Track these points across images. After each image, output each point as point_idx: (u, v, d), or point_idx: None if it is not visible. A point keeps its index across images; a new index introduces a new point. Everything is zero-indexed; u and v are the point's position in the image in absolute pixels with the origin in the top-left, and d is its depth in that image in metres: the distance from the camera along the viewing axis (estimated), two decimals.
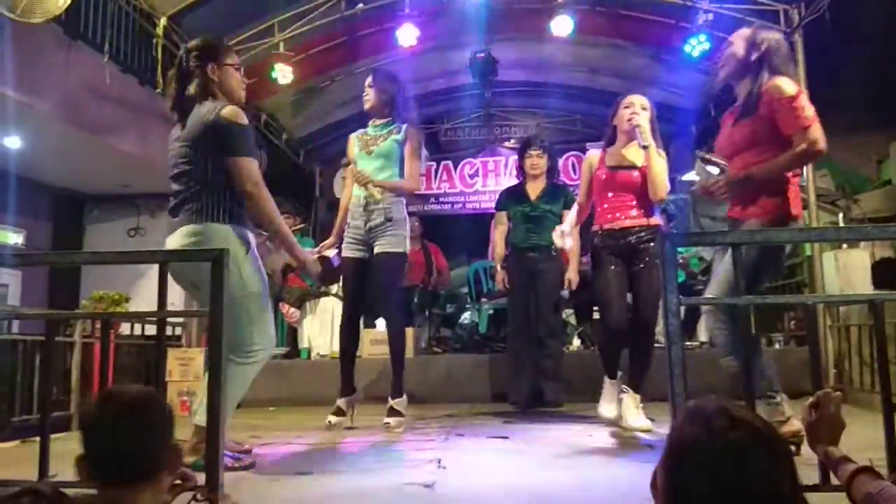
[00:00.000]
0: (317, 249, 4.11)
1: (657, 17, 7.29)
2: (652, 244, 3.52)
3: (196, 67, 2.84)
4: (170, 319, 4.90)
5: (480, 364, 5.58)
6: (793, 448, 2.45)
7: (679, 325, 1.83)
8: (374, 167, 3.85)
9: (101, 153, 6.70)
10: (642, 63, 7.79)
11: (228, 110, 2.72)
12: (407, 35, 6.88)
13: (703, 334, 6.16)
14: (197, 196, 2.71)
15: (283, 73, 7.05)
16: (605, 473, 2.62)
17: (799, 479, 0.98)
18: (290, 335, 6.71)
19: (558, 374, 4.72)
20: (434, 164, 10.02)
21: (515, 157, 5.57)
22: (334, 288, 6.23)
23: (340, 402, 3.82)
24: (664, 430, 2.57)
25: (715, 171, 2.83)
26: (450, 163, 10.13)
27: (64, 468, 2.04)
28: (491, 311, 6.56)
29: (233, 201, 2.72)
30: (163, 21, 6.62)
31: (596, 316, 5.98)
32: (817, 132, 2.66)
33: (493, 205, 5.31)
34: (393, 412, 3.71)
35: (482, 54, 7.47)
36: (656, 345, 3.79)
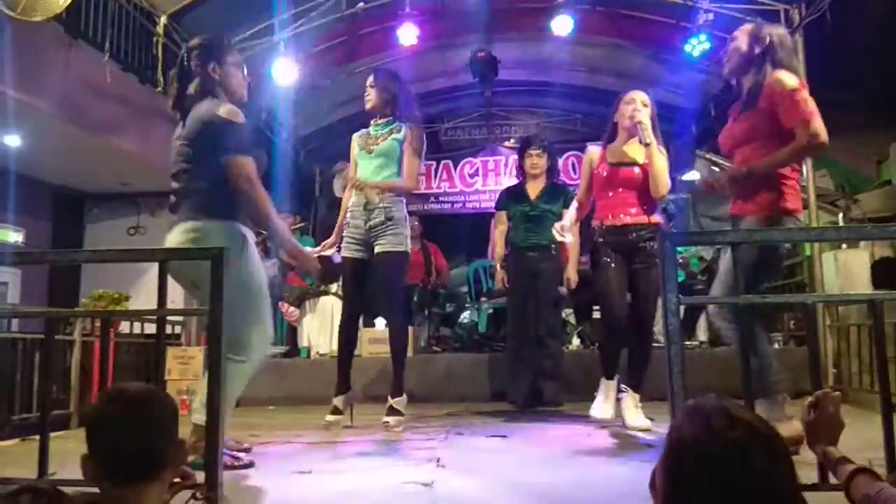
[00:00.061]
0: (318, 249, 4.11)
1: (657, 17, 7.30)
2: (652, 243, 3.50)
3: (197, 66, 2.84)
4: (169, 318, 4.91)
5: (480, 363, 5.58)
6: (792, 448, 2.46)
7: (678, 325, 1.83)
8: (374, 166, 3.85)
9: (101, 152, 6.70)
10: (642, 63, 7.80)
11: (224, 109, 2.72)
12: (407, 34, 6.88)
13: (702, 334, 6.17)
14: (195, 193, 2.73)
15: (284, 72, 7.05)
16: (604, 473, 2.62)
17: (798, 479, 0.98)
18: (289, 334, 6.71)
19: (557, 374, 4.72)
20: (434, 163, 10.02)
21: (515, 156, 5.57)
22: (334, 287, 6.23)
23: (336, 400, 3.81)
24: (663, 429, 2.58)
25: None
26: (450, 162, 10.13)
27: (63, 466, 2.04)
28: (490, 311, 6.56)
29: (231, 199, 2.72)
30: (163, 20, 6.62)
31: (596, 315, 5.99)
32: (818, 125, 2.64)
33: (492, 204, 5.31)
34: (392, 411, 3.71)
35: (482, 53, 7.48)
36: (656, 344, 3.78)
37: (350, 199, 3.96)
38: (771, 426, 1.00)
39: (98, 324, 4.84)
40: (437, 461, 2.72)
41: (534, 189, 4.78)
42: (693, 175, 7.93)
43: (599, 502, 2.22)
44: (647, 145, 3.45)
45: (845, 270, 5.52)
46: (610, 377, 3.62)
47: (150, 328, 5.62)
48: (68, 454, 2.65)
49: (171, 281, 2.14)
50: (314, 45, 7.48)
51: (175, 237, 2.71)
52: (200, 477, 1.66)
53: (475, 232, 8.21)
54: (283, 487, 2.44)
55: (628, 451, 3.08)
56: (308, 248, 4.34)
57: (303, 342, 6.38)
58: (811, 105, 2.67)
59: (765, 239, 2.77)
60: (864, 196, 7.28)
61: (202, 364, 5.04)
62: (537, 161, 4.78)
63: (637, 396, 3.54)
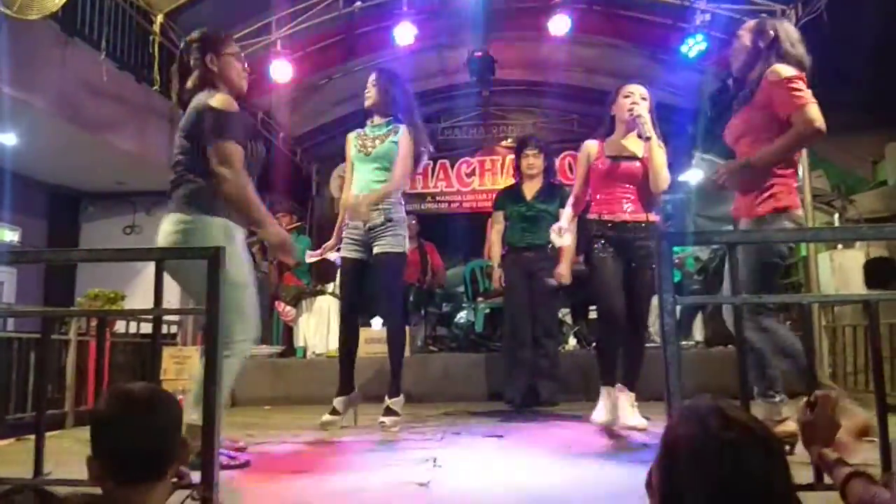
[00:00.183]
0: (319, 252, 4.11)
1: (654, 18, 7.31)
2: (649, 242, 3.46)
3: (195, 59, 2.85)
4: (165, 318, 4.90)
5: (476, 363, 5.59)
6: (787, 448, 2.46)
7: (675, 325, 1.83)
8: (371, 169, 3.84)
9: (97, 150, 6.68)
10: (639, 63, 7.80)
11: (217, 98, 2.73)
12: (405, 33, 6.88)
13: (698, 334, 6.19)
14: (187, 184, 2.74)
15: (281, 71, 7.04)
16: (600, 472, 2.63)
17: (793, 478, 0.99)
18: (285, 334, 6.71)
19: (554, 374, 4.73)
20: (431, 162, 10.01)
21: (512, 156, 5.57)
22: (330, 287, 6.23)
23: (337, 401, 3.78)
24: (659, 429, 2.58)
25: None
26: (447, 161, 10.14)
27: (59, 466, 2.03)
28: (487, 311, 6.56)
29: (215, 191, 2.72)
30: (159, 18, 6.61)
31: (592, 315, 5.99)
32: (814, 112, 2.61)
33: (489, 204, 5.31)
34: (389, 411, 3.71)
35: (480, 53, 7.48)
36: (653, 344, 3.78)
37: (350, 201, 3.95)
38: (766, 426, 1.00)
39: (94, 323, 4.84)
40: (434, 461, 2.72)
41: (530, 189, 4.79)
42: (691, 175, 7.93)
43: (596, 502, 2.23)
44: (647, 139, 3.39)
45: (841, 271, 5.54)
46: (610, 383, 3.48)
47: (146, 328, 5.62)
48: (64, 453, 2.66)
49: (167, 280, 2.14)
50: (311, 44, 7.48)
51: (163, 228, 2.74)
52: (195, 476, 1.66)
53: (472, 231, 8.21)
54: (280, 487, 2.43)
55: (624, 450, 3.08)
56: (309, 252, 4.35)
57: (299, 342, 6.37)
58: (807, 93, 2.64)
59: (761, 239, 2.77)
60: (859, 196, 7.30)
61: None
62: (534, 161, 4.79)
63: (632, 395, 3.52)
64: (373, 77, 3.98)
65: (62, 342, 4.69)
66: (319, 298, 6.37)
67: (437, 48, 8.05)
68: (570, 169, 8.93)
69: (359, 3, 6.92)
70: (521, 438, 3.44)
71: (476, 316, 6.75)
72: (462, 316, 7.13)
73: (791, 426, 2.59)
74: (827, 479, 1.48)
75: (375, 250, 3.76)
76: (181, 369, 5.16)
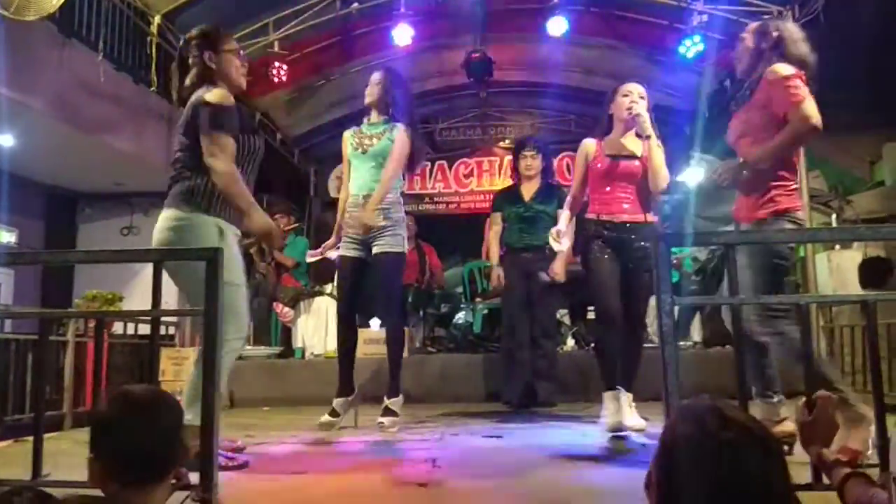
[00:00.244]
0: (319, 251, 4.10)
1: (652, 19, 7.32)
2: (647, 242, 3.44)
3: (194, 57, 2.86)
4: (163, 319, 4.89)
5: (474, 364, 5.58)
6: (785, 448, 2.46)
7: (673, 325, 1.83)
8: (369, 167, 3.83)
9: (94, 151, 6.68)
10: (637, 64, 7.81)
11: (212, 93, 2.74)
12: (402, 34, 6.89)
13: (696, 334, 6.19)
14: (184, 181, 2.75)
15: (278, 73, 7.04)
16: (598, 473, 2.63)
17: (791, 478, 0.99)
18: (284, 335, 6.70)
19: (552, 374, 4.73)
20: (429, 163, 10.01)
21: (510, 157, 5.58)
22: (328, 287, 6.23)
23: (336, 403, 3.76)
24: (658, 429, 2.58)
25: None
26: (444, 162, 10.14)
27: (57, 467, 2.03)
28: (485, 311, 6.57)
29: (213, 189, 2.72)
30: (157, 19, 6.61)
31: (590, 316, 5.99)
32: (810, 108, 2.60)
33: (487, 205, 5.31)
34: (388, 412, 3.70)
35: (477, 54, 7.48)
36: (651, 344, 3.77)
37: (347, 198, 3.95)
38: (764, 426, 1.01)
39: (91, 324, 4.83)
40: (433, 462, 2.72)
41: (528, 190, 4.79)
42: (689, 175, 7.94)
43: (595, 501, 2.23)
44: (647, 138, 3.37)
45: (838, 271, 5.55)
46: (612, 387, 3.37)
47: (144, 329, 5.61)
48: (61, 455, 2.66)
49: (165, 281, 2.14)
50: (308, 45, 7.48)
51: (158, 223, 2.76)
52: (193, 477, 1.66)
53: (470, 232, 8.18)
54: (279, 488, 2.43)
55: (623, 451, 3.08)
56: (309, 252, 4.35)
57: (297, 343, 6.37)
58: (803, 91, 2.63)
59: (758, 239, 2.78)
60: (857, 197, 7.31)
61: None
62: (531, 162, 4.79)
63: (630, 396, 3.51)
64: (378, 75, 3.96)
65: (60, 343, 4.69)
66: (318, 299, 6.36)
67: (434, 49, 8.05)
68: (569, 170, 8.93)
69: (356, 5, 6.92)
70: (519, 439, 3.44)
71: (474, 317, 6.75)
72: (460, 317, 7.13)
73: (789, 426, 2.59)
74: (825, 480, 1.48)
75: (375, 250, 3.75)
76: (179, 370, 5.15)
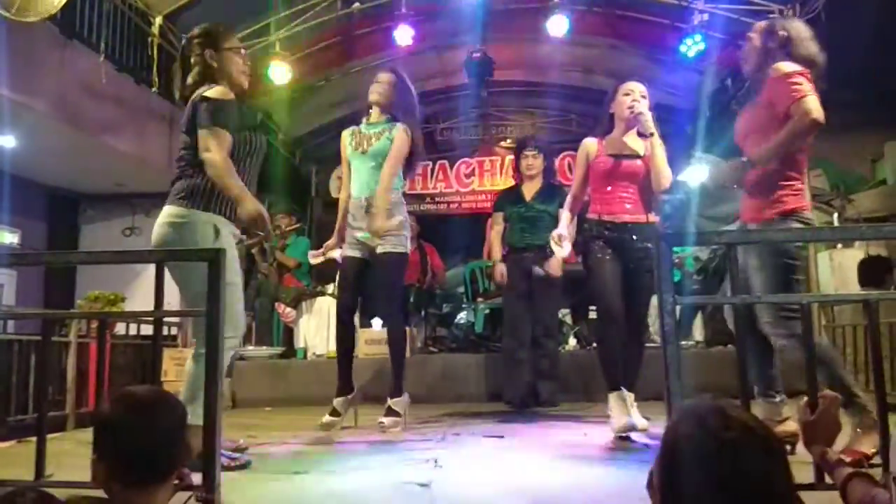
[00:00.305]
0: (321, 251, 4.10)
1: (653, 18, 7.32)
2: (648, 242, 3.42)
3: (196, 55, 2.87)
4: (165, 319, 4.90)
5: (476, 364, 5.59)
6: (787, 447, 2.46)
7: (674, 325, 1.83)
8: (369, 167, 3.83)
9: (96, 152, 6.68)
10: (638, 63, 7.81)
11: (212, 90, 2.75)
12: (403, 35, 6.89)
13: (698, 334, 6.19)
14: (185, 178, 2.77)
15: (279, 73, 7.04)
16: (600, 473, 2.63)
17: (793, 478, 0.99)
18: (286, 335, 6.71)
19: (554, 374, 4.73)
20: (430, 163, 10.01)
21: (511, 157, 5.58)
22: (330, 288, 6.23)
23: (336, 402, 3.78)
24: (660, 429, 2.58)
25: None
26: (446, 162, 10.13)
27: (60, 468, 2.04)
28: (487, 311, 6.56)
29: (210, 187, 2.73)
30: (158, 20, 6.61)
31: (592, 315, 5.99)
32: (811, 103, 2.58)
33: (488, 204, 5.32)
34: (390, 412, 3.71)
35: (478, 54, 7.48)
36: (653, 344, 3.76)
37: (347, 199, 3.95)
38: (766, 426, 1.01)
39: (94, 325, 4.84)
40: (435, 461, 2.72)
41: (529, 190, 4.80)
42: (690, 175, 7.94)
43: (597, 502, 2.23)
44: (650, 136, 3.35)
45: (840, 270, 5.54)
46: (616, 388, 3.32)
47: (146, 329, 5.61)
48: (64, 455, 2.66)
49: (167, 282, 2.14)
50: (309, 45, 7.48)
51: (158, 219, 2.79)
52: (195, 477, 1.66)
53: (471, 232, 8.20)
54: (281, 488, 2.44)
55: (625, 451, 3.08)
56: (312, 252, 4.35)
57: (299, 343, 6.38)
58: (806, 87, 2.62)
59: (760, 239, 2.77)
60: (859, 196, 7.30)
61: None
62: (533, 162, 4.80)
63: (632, 396, 3.49)
64: (387, 76, 3.94)
65: (62, 344, 4.69)
66: (319, 300, 6.37)
67: (435, 49, 8.05)
68: (570, 169, 8.92)
69: (357, 5, 6.92)
70: (521, 439, 3.44)
71: (476, 316, 6.75)
72: (462, 316, 7.13)
73: (791, 426, 2.59)
74: (828, 479, 1.48)
75: (378, 250, 3.75)
76: (182, 371, 5.13)
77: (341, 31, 7.51)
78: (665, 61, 7.52)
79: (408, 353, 5.05)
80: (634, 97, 3.44)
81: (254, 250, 6.41)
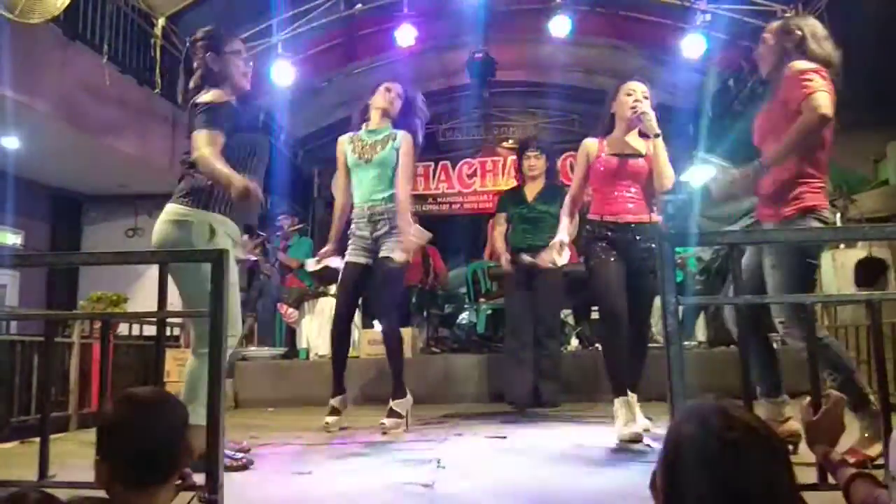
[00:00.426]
0: (316, 259, 4.12)
1: (655, 18, 7.32)
2: (651, 243, 3.40)
3: (198, 59, 2.88)
4: (168, 320, 4.91)
5: (478, 364, 5.58)
6: (790, 447, 2.46)
7: (677, 325, 1.83)
8: (372, 177, 3.83)
9: (99, 153, 6.70)
10: (640, 63, 7.81)
11: (207, 95, 2.77)
12: (405, 35, 6.89)
13: (700, 334, 6.18)
14: (187, 178, 2.78)
15: (282, 74, 7.05)
16: (603, 473, 2.63)
17: (796, 479, 0.99)
18: (288, 336, 6.72)
19: (556, 375, 4.73)
20: (432, 164, 10.03)
21: (514, 157, 5.59)
22: (332, 288, 6.23)
23: (334, 401, 3.82)
24: (662, 430, 2.58)
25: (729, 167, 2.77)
26: (448, 163, 10.14)
27: (63, 469, 2.04)
28: (489, 311, 6.57)
29: (208, 187, 2.74)
30: (161, 21, 6.63)
31: (594, 316, 5.98)
32: (820, 98, 2.51)
33: (491, 205, 5.32)
34: (392, 413, 3.71)
35: (480, 55, 7.49)
36: (655, 344, 3.74)
37: (343, 204, 3.95)
38: (769, 426, 1.00)
39: (97, 326, 4.85)
40: (438, 462, 2.72)
41: (531, 191, 4.80)
42: (692, 175, 7.93)
43: (599, 502, 2.23)
44: (656, 136, 3.30)
45: (843, 270, 5.54)
46: (623, 393, 3.25)
47: (148, 330, 5.62)
48: (68, 456, 2.66)
49: (170, 282, 2.15)
50: (312, 46, 7.49)
51: (159, 217, 2.80)
52: (197, 477, 1.66)
53: (473, 233, 8.22)
54: (284, 488, 2.44)
55: (627, 451, 3.08)
56: (308, 262, 4.35)
57: (302, 344, 6.38)
58: (817, 83, 2.55)
59: (761, 239, 2.77)
60: (861, 196, 7.29)
61: None
62: (535, 163, 4.80)
63: (635, 396, 3.48)
64: (400, 90, 3.95)
65: (65, 345, 4.70)
66: (322, 300, 6.37)
67: (437, 50, 8.06)
68: (572, 169, 8.90)
69: (359, 6, 6.94)
70: (523, 439, 3.43)
71: (478, 317, 6.75)
72: (464, 317, 7.13)
73: (794, 426, 2.58)
74: (831, 480, 1.48)
75: (380, 255, 3.77)
76: (184, 371, 5.15)
77: (344, 32, 7.52)
78: (667, 61, 7.53)
79: (410, 354, 5.06)
80: (637, 97, 3.39)
81: (256, 251, 6.42)
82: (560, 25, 6.93)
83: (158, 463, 1.33)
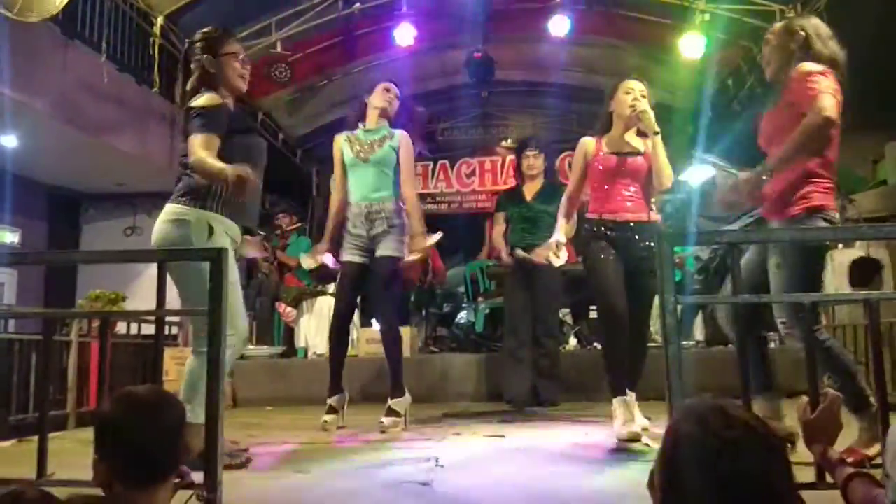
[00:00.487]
0: (312, 255, 4.13)
1: (654, 18, 7.32)
2: (650, 242, 3.38)
3: (195, 61, 2.88)
4: (167, 319, 4.91)
5: (477, 363, 5.59)
6: (788, 446, 2.46)
7: (676, 325, 1.83)
8: (371, 175, 3.84)
9: (97, 152, 6.69)
10: (639, 63, 7.81)
11: (200, 99, 2.77)
12: (404, 34, 6.90)
13: (698, 333, 6.19)
14: (185, 178, 2.79)
15: (281, 73, 7.05)
16: (601, 472, 2.63)
17: (794, 477, 0.99)
18: (286, 335, 6.71)
19: (554, 374, 4.73)
20: (431, 163, 10.02)
21: (512, 156, 5.59)
22: (331, 287, 6.23)
23: (332, 400, 3.84)
24: (661, 429, 2.58)
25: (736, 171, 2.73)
26: (446, 162, 10.14)
27: (61, 467, 2.04)
28: (487, 311, 6.57)
29: (204, 186, 2.74)
30: (160, 20, 6.62)
31: (592, 315, 5.99)
32: (825, 101, 2.48)
33: (489, 204, 5.33)
34: (390, 412, 3.72)
35: (479, 54, 7.49)
36: (654, 344, 3.74)
37: (339, 202, 3.95)
38: (768, 425, 1.01)
39: (95, 324, 4.84)
40: (436, 461, 2.72)
41: (530, 190, 4.80)
42: (691, 175, 7.94)
43: (597, 501, 2.23)
44: (656, 134, 3.28)
45: (840, 270, 5.55)
46: (622, 392, 3.23)
47: (146, 329, 5.62)
48: (66, 454, 2.66)
49: (168, 281, 2.14)
50: (311, 45, 7.49)
51: (159, 217, 2.82)
52: (195, 476, 1.66)
53: (472, 232, 8.21)
54: (282, 487, 2.44)
55: (625, 450, 3.08)
56: (304, 256, 4.36)
57: (300, 343, 6.38)
58: (824, 85, 2.52)
59: (761, 238, 2.77)
60: (859, 196, 7.28)
61: None
62: (534, 162, 4.80)
63: (633, 396, 3.47)
64: (397, 92, 3.98)
65: (63, 344, 4.70)
66: (320, 299, 6.37)
67: (436, 49, 8.06)
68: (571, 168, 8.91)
69: (358, 5, 6.93)
70: (521, 438, 3.44)
71: (476, 316, 6.75)
72: (462, 316, 7.13)
73: (790, 424, 2.58)
74: (829, 479, 1.48)
75: (377, 254, 3.78)
76: (182, 370, 5.14)
77: (342, 30, 7.52)
78: (666, 61, 7.53)
79: (408, 353, 5.06)
80: (636, 95, 3.37)
81: (267, 246, 6.42)
82: (559, 25, 6.94)
83: (157, 462, 1.33)
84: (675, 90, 7.86)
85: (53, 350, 4.33)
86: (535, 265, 4.59)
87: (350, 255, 3.85)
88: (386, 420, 3.67)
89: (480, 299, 6.75)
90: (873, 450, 2.35)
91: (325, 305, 6.31)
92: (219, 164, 2.65)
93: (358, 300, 4.36)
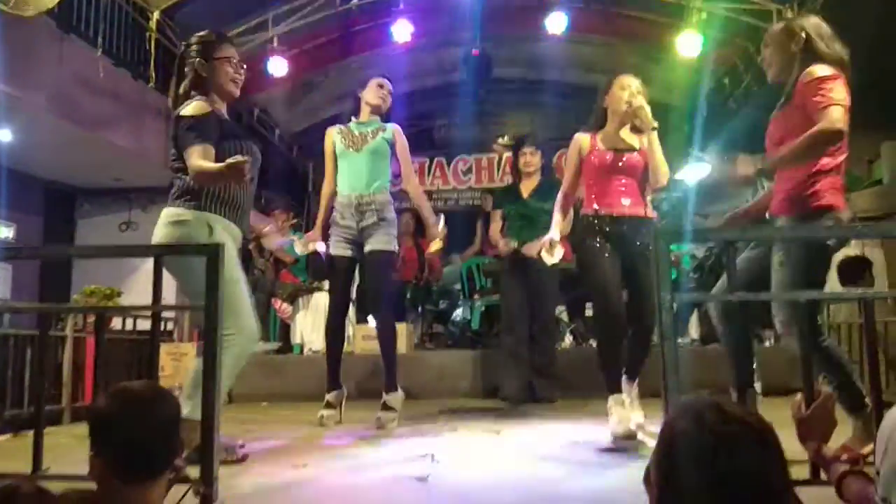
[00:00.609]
0: (302, 241, 4.15)
1: (651, 16, 7.33)
2: (646, 239, 3.35)
3: (189, 64, 2.88)
4: (162, 314, 4.90)
5: (473, 360, 5.59)
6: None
7: (672, 322, 1.83)
8: (361, 164, 3.84)
9: (93, 147, 6.66)
10: (636, 61, 7.80)
11: (189, 107, 2.78)
12: (401, 31, 6.89)
13: (694, 331, 6.21)
14: (178, 181, 2.82)
15: (277, 68, 7.04)
16: (597, 468, 2.64)
17: (790, 474, 0.99)
18: (282, 331, 6.71)
19: (550, 371, 4.75)
20: (427, 160, 10.01)
21: (509, 154, 5.60)
22: (326, 284, 6.23)
23: (329, 396, 3.85)
24: (656, 426, 2.59)
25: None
26: (443, 159, 10.13)
27: (56, 462, 2.04)
28: (483, 308, 6.58)
29: (200, 188, 2.76)
30: (156, 15, 6.60)
31: (588, 312, 6.00)
32: (835, 113, 2.45)
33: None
34: (386, 407, 3.72)
35: (476, 51, 7.48)
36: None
37: (330, 192, 3.96)
38: (764, 421, 1.01)
39: (90, 319, 4.83)
40: (432, 457, 2.73)
41: (527, 188, 4.81)
42: (687, 173, 7.95)
43: (593, 497, 2.24)
44: (654, 129, 3.25)
45: (835, 269, 5.56)
46: (617, 390, 3.20)
47: (142, 324, 5.61)
48: (61, 449, 2.66)
49: (165, 277, 2.14)
50: (307, 41, 7.48)
51: (158, 222, 2.83)
52: (190, 470, 1.66)
53: (468, 229, 8.20)
54: (279, 483, 2.44)
55: (621, 447, 3.08)
56: (297, 243, 4.38)
57: (296, 339, 6.38)
58: (837, 94, 2.50)
59: (755, 237, 2.77)
60: (854, 195, 7.31)
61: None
62: (531, 159, 4.81)
63: (635, 388, 3.41)
64: (389, 85, 3.99)
65: (58, 339, 4.69)
66: (316, 295, 6.36)
67: (433, 46, 8.05)
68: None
69: (355, 1, 6.93)
70: (517, 435, 3.45)
71: (472, 313, 6.76)
72: (458, 313, 7.14)
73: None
74: (823, 476, 1.49)
75: (367, 248, 3.77)
76: (178, 366, 5.16)
77: (339, 26, 7.51)
78: (663, 59, 7.53)
79: (404, 350, 5.07)
80: (631, 92, 3.32)
81: (250, 246, 6.41)
82: (556, 22, 6.93)
83: (152, 457, 1.33)
84: (672, 88, 7.87)
85: (48, 345, 4.32)
86: (531, 262, 4.60)
87: (339, 249, 3.84)
88: (383, 415, 3.67)
89: (476, 296, 6.76)
90: (868, 448, 2.36)
91: (320, 302, 6.31)
92: (216, 165, 2.67)
93: (353, 294, 4.37)
